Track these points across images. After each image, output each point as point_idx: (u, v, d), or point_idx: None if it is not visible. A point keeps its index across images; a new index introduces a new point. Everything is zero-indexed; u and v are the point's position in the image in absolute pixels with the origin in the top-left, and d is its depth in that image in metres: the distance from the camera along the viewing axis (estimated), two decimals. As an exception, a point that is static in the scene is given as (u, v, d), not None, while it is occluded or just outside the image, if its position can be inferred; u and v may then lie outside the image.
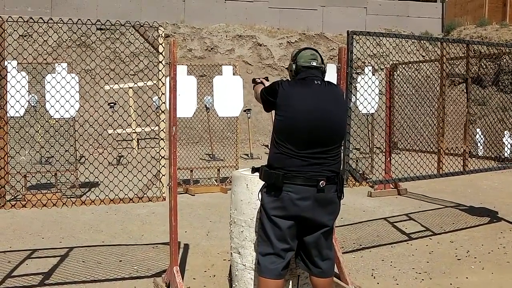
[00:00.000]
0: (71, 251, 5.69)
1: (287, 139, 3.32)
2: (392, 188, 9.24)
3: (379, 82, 8.70)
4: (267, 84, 3.84)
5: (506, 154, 7.76)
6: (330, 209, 3.42)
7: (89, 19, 4.35)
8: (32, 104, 8.79)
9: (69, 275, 4.91)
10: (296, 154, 3.30)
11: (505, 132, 8.38)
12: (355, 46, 4.96)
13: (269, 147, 3.71)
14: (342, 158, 3.64)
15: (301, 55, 3.54)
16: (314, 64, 3.50)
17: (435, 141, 7.37)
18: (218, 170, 9.72)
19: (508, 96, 12.24)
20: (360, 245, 6.07)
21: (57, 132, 7.49)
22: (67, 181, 8.91)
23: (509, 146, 8.52)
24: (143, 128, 11.70)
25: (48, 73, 7.17)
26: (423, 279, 4.97)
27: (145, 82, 8.48)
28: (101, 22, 4.37)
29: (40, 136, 8.81)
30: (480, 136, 10.72)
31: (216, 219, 7.23)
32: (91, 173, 4.83)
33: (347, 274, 4.62)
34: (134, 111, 11.46)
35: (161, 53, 4.47)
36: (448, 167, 6.40)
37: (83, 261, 5.34)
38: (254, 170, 3.63)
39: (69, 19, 4.26)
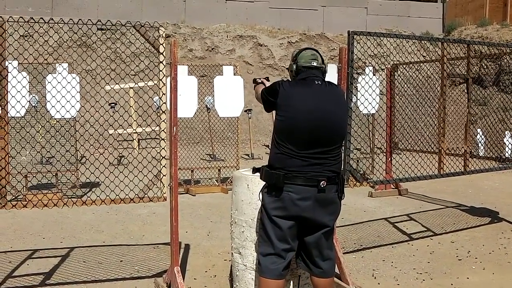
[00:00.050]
0: (72, 251, 5.69)
1: (287, 139, 3.32)
2: (393, 189, 9.24)
3: (380, 82, 8.71)
4: (267, 84, 3.84)
5: (507, 155, 7.75)
6: (331, 209, 3.42)
7: (89, 19, 4.35)
8: (33, 104, 8.79)
9: (70, 275, 4.91)
10: (296, 154, 3.30)
11: (506, 132, 8.38)
12: (355, 46, 4.96)
13: (269, 147, 3.71)
14: (342, 158, 3.64)
15: (302, 55, 3.54)
16: (315, 64, 3.50)
17: (436, 141, 7.37)
18: (219, 170, 9.72)
19: (508, 96, 12.24)
20: (361, 245, 6.06)
21: (58, 132, 7.49)
22: (68, 181, 8.91)
23: (510, 146, 8.53)
24: (144, 128, 11.68)
25: (49, 73, 7.18)
26: (424, 280, 4.96)
27: (146, 82, 8.46)
28: (102, 22, 4.37)
29: (41, 136, 8.81)
30: (481, 136, 10.72)
31: (217, 219, 7.23)
32: (92, 173, 4.83)
33: (348, 274, 4.62)
34: (135, 111, 11.44)
35: (162, 53, 4.47)
36: (449, 167, 6.40)
37: (84, 261, 5.34)
38: (255, 170, 3.63)
39: (70, 19, 4.26)
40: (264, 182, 3.46)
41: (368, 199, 8.77)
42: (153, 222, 7.07)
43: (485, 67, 16.36)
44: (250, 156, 13.23)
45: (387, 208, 8.10)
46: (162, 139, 4.59)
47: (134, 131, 12.17)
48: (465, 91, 7.30)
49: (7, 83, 4.23)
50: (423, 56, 17.61)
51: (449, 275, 5.07)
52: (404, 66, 8.87)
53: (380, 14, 19.79)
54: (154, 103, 10.96)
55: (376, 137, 10.43)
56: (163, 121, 4.56)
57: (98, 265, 5.25)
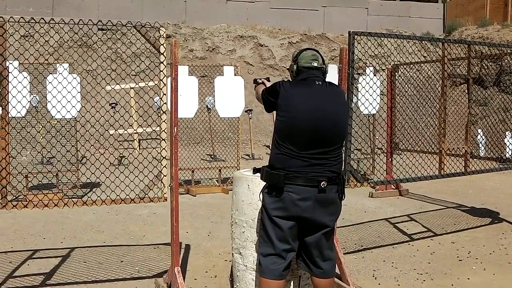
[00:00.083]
0: (73, 251, 5.69)
1: (288, 139, 3.32)
2: (394, 189, 9.23)
3: (381, 83, 8.71)
4: (268, 84, 3.84)
5: (507, 155, 7.73)
6: (331, 210, 3.42)
7: (90, 20, 4.35)
8: (34, 105, 8.79)
9: (70, 276, 4.91)
10: (297, 154, 3.30)
11: (507, 133, 8.36)
12: (356, 47, 4.96)
13: (270, 148, 3.71)
14: (343, 158, 3.64)
15: (302, 55, 3.54)
16: (315, 64, 3.50)
17: (436, 141, 7.37)
18: (220, 170, 9.72)
19: (509, 96, 12.23)
20: (362, 245, 6.06)
21: (58, 133, 7.49)
22: (68, 181, 8.91)
23: (510, 147, 8.51)
24: (144, 128, 11.67)
25: (50, 73, 7.17)
26: (424, 280, 4.96)
27: (147, 83, 8.46)
28: (102, 22, 4.37)
29: (41, 137, 8.82)
30: (481, 136, 10.70)
31: (217, 220, 7.23)
32: (92, 173, 4.83)
33: (349, 274, 4.62)
34: (136, 111, 11.43)
35: (162, 54, 4.47)
36: (449, 168, 6.39)
37: (85, 262, 5.34)
38: (255, 170, 3.63)
39: (71, 19, 4.26)
40: (265, 183, 3.46)
41: (369, 200, 8.77)
42: (154, 223, 7.07)
43: (485, 67, 16.36)
44: (250, 156, 13.23)
45: (387, 208, 8.09)
46: (163, 139, 4.59)
47: (135, 131, 12.17)
48: (466, 91, 7.29)
49: (8, 83, 4.23)
50: (424, 57, 17.61)
51: (450, 276, 5.07)
52: (405, 66, 8.87)
53: (380, 14, 19.79)
54: (155, 103, 10.94)
55: (377, 137, 10.43)
56: (164, 121, 4.56)
57: (98, 265, 5.25)
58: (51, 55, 8.13)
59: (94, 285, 4.72)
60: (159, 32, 4.47)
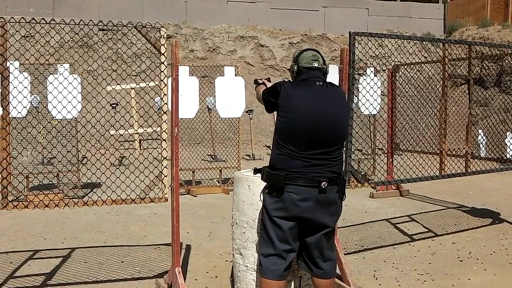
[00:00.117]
0: (73, 251, 5.70)
1: (289, 140, 3.32)
2: (394, 189, 9.23)
3: (381, 83, 8.71)
4: (268, 85, 3.85)
5: (508, 155, 7.73)
6: (332, 210, 3.42)
7: (91, 20, 4.36)
8: (34, 105, 8.79)
9: (71, 276, 4.91)
10: (298, 155, 3.30)
11: (508, 133, 8.36)
12: (357, 47, 4.96)
13: (271, 148, 3.71)
14: (344, 159, 3.64)
15: (303, 56, 3.54)
16: (316, 65, 3.50)
17: (437, 142, 7.36)
18: (220, 171, 9.72)
19: (510, 97, 12.23)
20: (362, 246, 6.06)
21: (59, 133, 7.50)
22: (69, 182, 8.91)
23: (511, 147, 8.51)
24: (145, 129, 11.68)
25: (50, 74, 7.18)
26: (425, 281, 4.96)
27: (147, 83, 8.46)
28: (103, 23, 4.37)
29: (42, 137, 8.82)
30: (482, 137, 10.71)
31: (218, 220, 7.23)
32: (93, 174, 4.84)
33: (349, 275, 4.62)
34: (136, 112, 11.42)
35: (163, 54, 4.47)
36: (450, 168, 6.39)
37: (85, 262, 5.34)
38: (256, 171, 3.63)
39: (71, 19, 4.27)
40: (265, 183, 3.46)
41: (369, 200, 8.77)
42: (154, 223, 7.07)
43: (486, 68, 16.36)
44: (251, 157, 13.23)
45: (388, 209, 8.09)
46: (164, 139, 4.59)
47: (136, 131, 12.17)
48: (467, 92, 7.29)
49: (9, 84, 4.23)
50: (424, 57, 17.61)
51: (451, 276, 5.07)
52: (405, 67, 8.86)
53: (381, 15, 19.79)
54: (156, 103, 10.93)
55: (378, 138, 10.42)
56: (165, 121, 4.56)
57: (99, 265, 5.25)
58: (52, 56, 8.14)
59: (94, 286, 4.72)
60: (160, 33, 4.47)
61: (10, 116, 4.52)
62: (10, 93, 4.25)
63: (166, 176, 4.55)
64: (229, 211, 4.50)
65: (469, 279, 5.01)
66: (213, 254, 5.69)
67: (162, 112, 4.59)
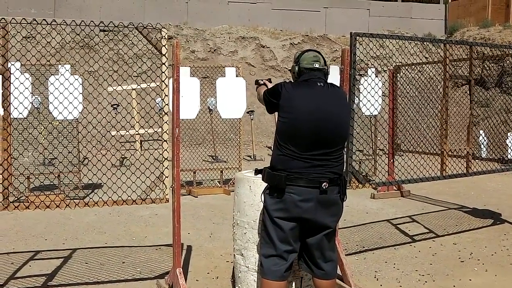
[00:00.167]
0: (74, 252, 5.70)
1: (290, 141, 3.32)
2: (395, 190, 9.22)
3: (382, 84, 8.70)
4: (270, 85, 3.85)
5: (509, 156, 7.73)
6: (333, 211, 3.42)
7: (92, 21, 4.36)
8: (36, 106, 8.80)
9: (72, 277, 4.91)
10: (299, 156, 3.30)
11: (509, 134, 8.35)
12: (358, 48, 4.96)
13: (272, 149, 3.71)
14: (345, 159, 3.64)
15: (304, 57, 3.54)
16: (317, 66, 3.50)
17: (438, 142, 7.35)
18: (221, 171, 9.72)
19: (511, 97, 12.23)
20: (363, 247, 6.06)
21: (60, 134, 7.50)
22: (70, 182, 8.92)
23: (512, 147, 8.51)
24: (146, 129, 11.70)
25: (52, 74, 7.18)
26: (426, 281, 4.96)
27: (148, 84, 8.47)
28: (104, 23, 4.38)
29: (43, 138, 8.82)
30: (483, 137, 10.70)
31: (219, 221, 7.23)
32: (94, 174, 4.84)
33: (350, 276, 4.62)
34: (137, 112, 11.44)
35: (164, 55, 4.47)
36: (451, 169, 6.39)
37: (86, 263, 5.34)
38: (257, 172, 3.63)
39: (73, 20, 4.27)
40: (266, 184, 3.46)
41: (370, 201, 8.76)
42: (155, 224, 7.07)
43: (487, 68, 16.34)
44: (252, 157, 13.23)
45: (389, 209, 8.09)
46: (165, 140, 4.59)
47: (137, 132, 12.19)
48: (468, 92, 7.29)
49: (10, 85, 4.23)
50: (425, 58, 17.61)
51: (452, 277, 5.07)
52: (406, 67, 8.86)
53: (382, 15, 19.79)
54: (157, 104, 10.94)
55: (379, 138, 10.42)
56: (166, 122, 4.56)
57: (100, 266, 5.25)
58: (53, 57, 8.13)
59: (95, 286, 4.72)
60: (161, 33, 4.48)
61: (11, 117, 4.53)
62: (11, 94, 4.25)
63: (167, 177, 4.55)
64: (230, 212, 4.50)
65: (470, 279, 5.01)
66: (214, 254, 5.69)
67: (163, 113, 4.58)
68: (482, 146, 10.47)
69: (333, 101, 3.43)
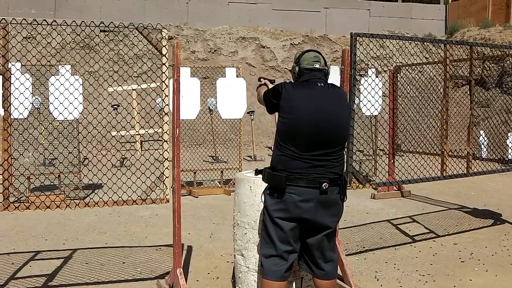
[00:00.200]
0: (75, 253, 5.70)
1: (290, 141, 3.32)
2: (396, 190, 9.22)
3: (383, 84, 8.71)
4: (270, 86, 3.85)
5: (509, 156, 7.73)
6: (333, 211, 3.42)
7: (92, 21, 4.36)
8: (36, 106, 8.80)
9: (72, 277, 4.92)
10: (299, 156, 3.30)
11: (509, 134, 8.36)
12: (358, 48, 4.96)
13: (272, 149, 3.71)
14: (345, 160, 3.64)
15: (304, 57, 3.54)
16: (317, 66, 3.50)
17: (438, 143, 7.36)
18: (222, 172, 9.72)
19: (511, 98, 12.22)
20: (364, 247, 6.06)
21: (60, 134, 7.50)
22: (70, 183, 8.92)
23: (513, 148, 8.51)
24: (146, 130, 11.71)
25: (52, 75, 7.19)
26: (426, 281, 4.96)
27: (149, 84, 8.48)
28: (104, 24, 4.38)
29: (43, 138, 8.83)
30: (483, 138, 10.70)
31: (219, 221, 7.23)
32: (94, 175, 4.84)
33: (351, 276, 4.62)
34: (138, 113, 11.45)
35: (164, 55, 4.47)
36: (451, 169, 6.39)
37: (87, 263, 5.34)
38: (257, 172, 3.63)
39: (73, 21, 4.27)
40: (267, 184, 3.46)
41: (371, 201, 8.76)
42: (156, 224, 7.07)
43: (487, 68, 16.34)
44: (252, 158, 13.23)
45: (389, 210, 8.09)
46: (165, 141, 4.59)
47: (137, 133, 12.19)
48: (468, 93, 7.29)
49: (10, 85, 4.24)
50: (426, 58, 17.60)
51: (452, 277, 5.07)
52: (407, 67, 8.85)
53: (382, 16, 19.78)
54: (157, 105, 10.94)
55: (379, 139, 10.42)
56: (166, 123, 4.56)
57: (100, 266, 5.25)
58: (53, 57, 8.13)
59: (96, 287, 4.72)
60: (161, 34, 4.48)
61: (12, 117, 4.54)
62: (11, 95, 4.25)
63: (167, 177, 4.55)
64: (231, 212, 4.50)
65: (470, 280, 5.01)
66: (215, 255, 5.69)
67: (164, 113, 4.58)
68: (482, 147, 10.47)
69: (334, 102, 3.43)
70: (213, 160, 12.33)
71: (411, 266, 5.38)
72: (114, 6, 17.30)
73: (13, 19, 4.20)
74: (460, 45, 6.56)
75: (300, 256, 3.55)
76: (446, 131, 6.74)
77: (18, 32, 4.66)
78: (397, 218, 7.49)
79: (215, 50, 17.19)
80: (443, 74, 6.97)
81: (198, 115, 8.43)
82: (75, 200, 4.69)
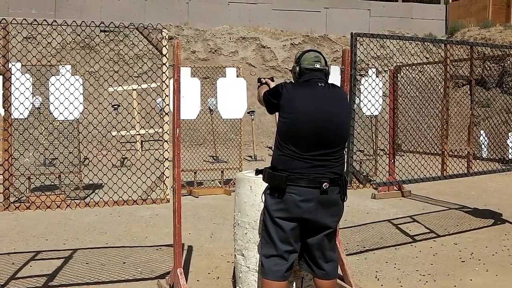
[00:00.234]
0: (75, 253, 5.70)
1: (290, 141, 3.32)
2: (396, 190, 9.22)
3: (383, 84, 8.70)
4: (272, 85, 3.85)
5: (510, 156, 7.73)
6: (334, 211, 3.42)
7: (93, 21, 4.36)
8: (36, 106, 8.81)
9: (72, 277, 4.92)
10: (299, 156, 3.30)
11: (509, 134, 8.36)
12: (358, 48, 4.96)
13: (272, 149, 3.71)
14: (345, 160, 3.64)
15: (305, 57, 3.54)
16: (318, 66, 3.50)
17: (439, 143, 7.35)
18: (222, 172, 9.72)
19: (512, 97, 12.21)
20: (364, 247, 6.06)
21: (61, 134, 7.50)
22: (71, 183, 8.92)
23: (513, 148, 8.51)
24: (147, 130, 11.71)
25: (52, 75, 7.19)
26: (427, 281, 4.96)
27: (149, 84, 8.49)
28: (105, 24, 4.38)
29: (44, 138, 8.83)
30: (484, 138, 10.70)
31: (219, 221, 7.23)
32: (95, 175, 4.84)
33: (351, 276, 4.62)
34: (138, 113, 11.46)
35: (164, 55, 4.47)
36: (452, 169, 6.39)
37: (87, 263, 5.34)
38: (257, 172, 3.63)
39: (73, 21, 4.27)
40: (267, 184, 3.46)
41: (371, 201, 8.76)
42: (156, 224, 7.07)
43: (488, 68, 16.34)
44: (253, 157, 13.23)
45: (390, 209, 8.09)
46: (165, 141, 4.59)
47: (137, 133, 12.19)
48: (468, 92, 7.29)
49: (11, 85, 4.24)
50: (426, 58, 17.60)
51: (452, 277, 5.07)
52: (407, 67, 8.85)
53: (383, 16, 19.78)
54: (157, 105, 10.94)
55: (379, 138, 10.42)
56: (166, 123, 4.56)
57: (101, 266, 5.25)
58: (54, 57, 8.13)
59: (96, 286, 4.72)
60: (162, 34, 4.48)
61: (12, 117, 4.53)
62: (12, 95, 4.25)
63: (167, 177, 4.55)
64: (231, 212, 4.50)
65: (471, 279, 5.00)
66: (215, 255, 5.69)
67: (164, 113, 4.59)
68: (482, 146, 10.47)
69: (334, 102, 3.43)
70: (213, 160, 12.33)
71: (411, 266, 5.38)
72: (114, 6, 17.30)
73: (13, 19, 4.20)
74: (461, 45, 6.56)
75: (301, 256, 3.55)
76: (447, 131, 6.74)
77: (19, 32, 4.66)
78: (397, 218, 7.49)
79: (215, 50, 17.19)
80: (443, 74, 6.96)
81: (198, 115, 8.43)
82: (75, 200, 4.69)
